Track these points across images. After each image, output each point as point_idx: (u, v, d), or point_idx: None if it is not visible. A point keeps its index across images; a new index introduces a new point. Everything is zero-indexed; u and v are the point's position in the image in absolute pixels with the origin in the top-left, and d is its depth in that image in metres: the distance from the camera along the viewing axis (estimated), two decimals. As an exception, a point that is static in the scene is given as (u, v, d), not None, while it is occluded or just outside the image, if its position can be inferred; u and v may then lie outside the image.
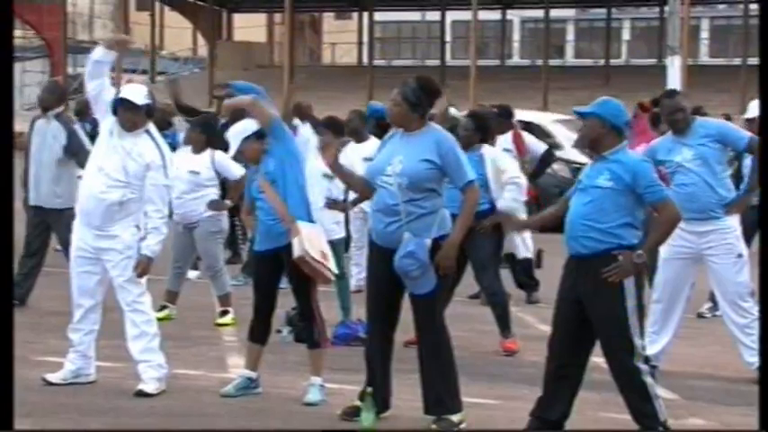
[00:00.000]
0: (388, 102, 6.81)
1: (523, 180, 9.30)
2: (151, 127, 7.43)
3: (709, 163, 8.02)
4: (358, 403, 6.78)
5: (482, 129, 9.07)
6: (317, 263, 7.15)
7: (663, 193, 6.26)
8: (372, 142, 10.85)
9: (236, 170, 9.84)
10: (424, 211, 6.58)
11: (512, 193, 8.92)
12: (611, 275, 6.10)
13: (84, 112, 13.69)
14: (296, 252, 7.10)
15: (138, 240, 7.32)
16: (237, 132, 7.51)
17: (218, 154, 9.91)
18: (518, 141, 11.90)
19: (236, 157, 8.44)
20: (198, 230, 9.94)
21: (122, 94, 7.30)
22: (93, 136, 9.27)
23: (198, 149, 10.05)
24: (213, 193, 10.03)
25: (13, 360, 5.57)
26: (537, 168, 12.24)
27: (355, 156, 11.20)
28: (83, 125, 11.33)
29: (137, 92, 7.35)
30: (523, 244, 11.32)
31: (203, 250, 10.09)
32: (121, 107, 7.28)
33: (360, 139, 11.21)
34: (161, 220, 7.32)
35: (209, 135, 10.08)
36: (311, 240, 7.14)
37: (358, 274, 11.50)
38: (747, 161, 8.99)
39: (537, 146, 12.34)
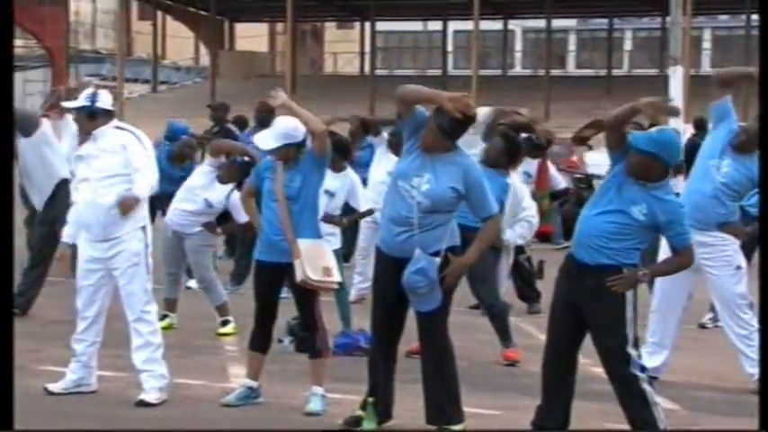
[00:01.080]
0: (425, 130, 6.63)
1: (537, 219, 9.31)
2: (117, 122, 7.49)
3: (731, 188, 7.98)
4: (360, 413, 6.78)
5: (511, 153, 9.00)
6: (319, 283, 7.17)
7: (688, 242, 6.30)
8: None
9: (243, 216, 9.82)
10: (436, 224, 6.56)
11: (522, 230, 8.97)
12: (615, 286, 6.11)
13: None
14: (298, 277, 7.12)
15: (145, 246, 7.33)
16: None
17: (236, 194, 9.81)
18: (543, 173, 11.82)
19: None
20: (189, 242, 9.91)
21: (65, 105, 7.60)
22: None
23: (224, 182, 9.97)
24: (213, 217, 10.02)
25: (12, 360, 5.56)
26: (552, 201, 12.22)
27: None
28: None
29: (78, 99, 7.44)
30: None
31: (194, 262, 10.06)
32: (77, 115, 7.52)
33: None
34: (152, 176, 7.30)
35: (243, 177, 9.55)
36: (313, 260, 7.13)
37: (360, 284, 11.51)
38: (754, 199, 8.99)
39: (558, 181, 12.34)
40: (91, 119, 7.37)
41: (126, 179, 7.26)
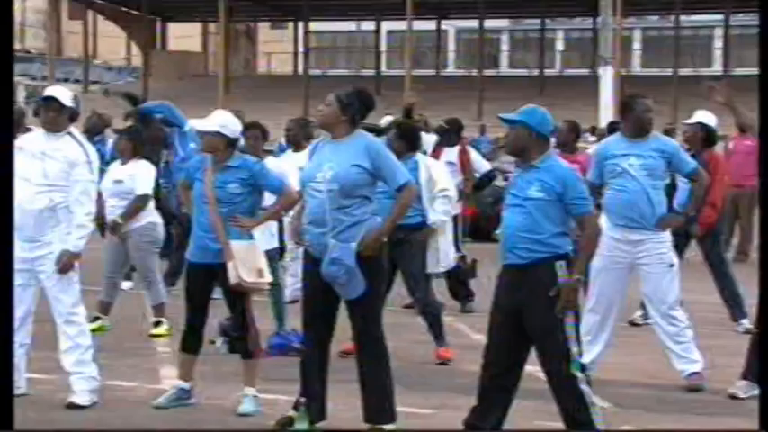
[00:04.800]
0: (321, 105, 6.78)
1: (454, 192, 9.28)
2: (73, 130, 7.36)
3: (653, 175, 8.11)
4: (292, 413, 6.76)
5: (407, 137, 9.02)
6: (253, 284, 7.17)
7: (588, 207, 6.28)
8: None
9: (143, 187, 9.80)
10: (353, 220, 6.55)
11: (443, 206, 8.93)
12: (559, 311, 6.09)
13: (92, 131, 13.68)
14: (231, 279, 7.11)
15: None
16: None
17: (139, 165, 9.86)
18: (464, 158, 11.93)
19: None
20: (131, 241, 9.85)
21: (49, 92, 7.28)
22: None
23: (125, 159, 9.99)
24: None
25: (12, 360, 5.50)
26: (478, 184, 12.26)
27: (291, 165, 11.26)
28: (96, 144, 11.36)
29: (64, 93, 7.31)
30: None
31: (137, 261, 10.01)
32: (46, 105, 7.24)
33: (298, 148, 11.36)
34: (86, 216, 7.21)
35: (136, 143, 10.02)
36: (245, 261, 7.13)
37: (293, 285, 11.49)
38: (683, 196, 9.08)
39: (481, 164, 12.39)
40: (67, 120, 7.26)
41: (64, 188, 7.17)
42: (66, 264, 7.18)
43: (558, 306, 6.09)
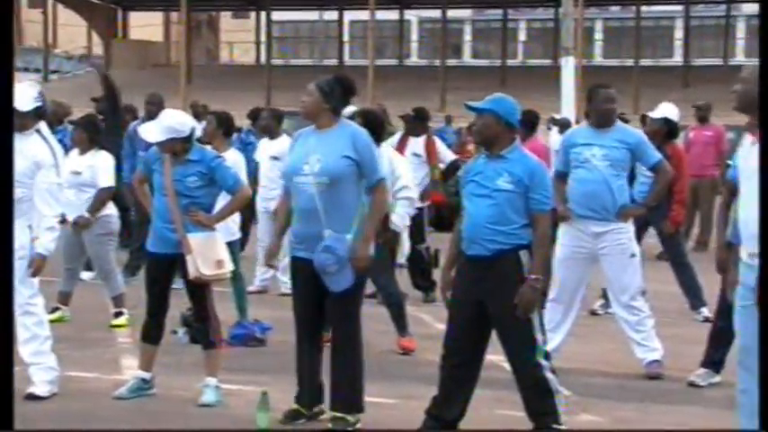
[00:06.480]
0: (303, 95, 6.74)
1: (415, 192, 9.24)
2: (42, 126, 7.30)
3: (615, 166, 8.14)
4: (296, 406, 6.76)
5: (369, 126, 8.97)
6: (213, 276, 7.16)
7: (547, 207, 6.25)
8: (283, 140, 10.89)
9: (105, 180, 9.73)
10: (345, 210, 6.52)
11: (403, 208, 8.92)
12: (521, 312, 6.08)
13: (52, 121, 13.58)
14: (191, 273, 7.09)
15: (32, 240, 7.21)
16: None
17: (98, 156, 9.79)
18: (430, 148, 11.92)
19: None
20: (87, 233, 9.75)
21: None
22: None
23: (83, 150, 9.90)
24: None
25: (12, 360, 5.45)
26: (444, 173, 12.24)
27: (264, 154, 11.27)
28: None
29: (24, 97, 7.20)
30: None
31: (93, 253, 9.91)
32: None
33: (271, 137, 11.37)
34: (55, 219, 7.20)
35: (91, 134, 9.93)
36: (204, 254, 7.10)
37: (263, 275, 11.49)
38: (643, 188, 9.11)
39: (446, 154, 12.38)
40: (34, 119, 7.20)
41: (27, 185, 7.11)
42: (38, 267, 7.17)
43: (520, 309, 6.08)
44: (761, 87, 5.14)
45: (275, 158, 10.96)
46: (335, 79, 6.69)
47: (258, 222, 11.67)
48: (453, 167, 12.18)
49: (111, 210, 9.93)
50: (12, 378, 5.44)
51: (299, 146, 6.72)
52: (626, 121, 13.61)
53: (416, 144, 11.79)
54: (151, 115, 13.15)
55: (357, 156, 6.53)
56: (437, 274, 11.56)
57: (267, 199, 11.10)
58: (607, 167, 8.12)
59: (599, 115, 8.21)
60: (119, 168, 13.12)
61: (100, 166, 9.74)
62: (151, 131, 7.23)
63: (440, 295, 6.72)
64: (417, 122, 11.94)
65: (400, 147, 11.55)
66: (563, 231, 8.23)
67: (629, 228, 8.27)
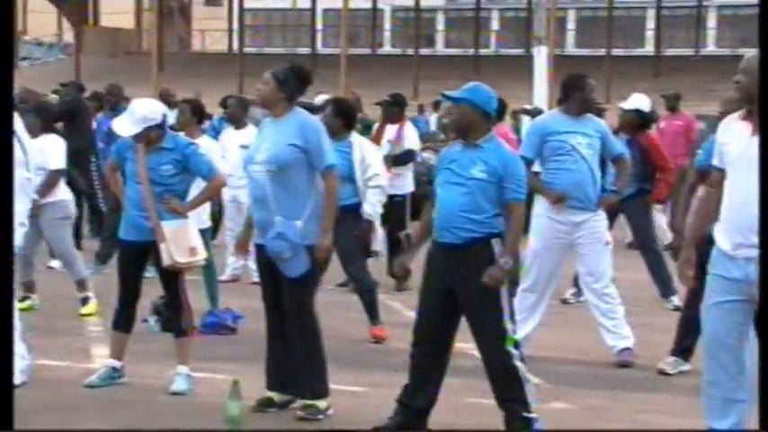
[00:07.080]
0: (258, 84, 6.75)
1: (385, 180, 9.23)
2: (15, 122, 7.24)
3: (596, 155, 8.18)
4: (270, 394, 6.78)
5: (342, 114, 8.97)
6: (186, 264, 7.16)
7: (522, 195, 6.27)
8: (251, 130, 10.85)
9: (55, 162, 9.67)
10: (296, 197, 6.54)
11: (375, 196, 8.92)
12: (488, 285, 6.10)
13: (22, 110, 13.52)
14: (165, 261, 7.08)
15: None
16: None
17: (48, 140, 9.72)
18: (380, 133, 11.79)
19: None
20: (42, 217, 9.57)
21: None
22: None
23: (34, 135, 9.79)
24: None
25: (12, 360, 5.41)
26: (395, 160, 11.91)
27: (232, 142, 11.22)
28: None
29: None
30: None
31: (50, 237, 9.81)
32: None
33: (239, 126, 11.34)
34: (24, 214, 7.13)
35: (43, 120, 9.85)
36: (178, 241, 7.09)
37: (235, 263, 11.45)
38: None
39: (410, 142, 12.09)
40: None
41: None
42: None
43: (487, 282, 6.10)
44: (761, 86, 5.12)
45: (245, 147, 10.91)
46: (291, 68, 6.72)
47: (225, 211, 11.64)
48: (406, 158, 11.81)
49: (67, 194, 9.84)
50: (11, 378, 5.41)
51: (258, 135, 6.83)
52: (601, 111, 13.68)
53: (393, 131, 11.71)
54: (112, 106, 13.23)
55: (304, 143, 6.56)
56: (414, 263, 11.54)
57: (234, 187, 10.99)
58: (591, 156, 8.14)
59: (586, 104, 8.21)
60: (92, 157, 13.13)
61: (49, 149, 9.64)
62: (125, 126, 7.17)
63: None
64: (396, 108, 11.79)
65: (378, 134, 11.52)
66: (537, 222, 8.24)
67: (603, 216, 8.31)
